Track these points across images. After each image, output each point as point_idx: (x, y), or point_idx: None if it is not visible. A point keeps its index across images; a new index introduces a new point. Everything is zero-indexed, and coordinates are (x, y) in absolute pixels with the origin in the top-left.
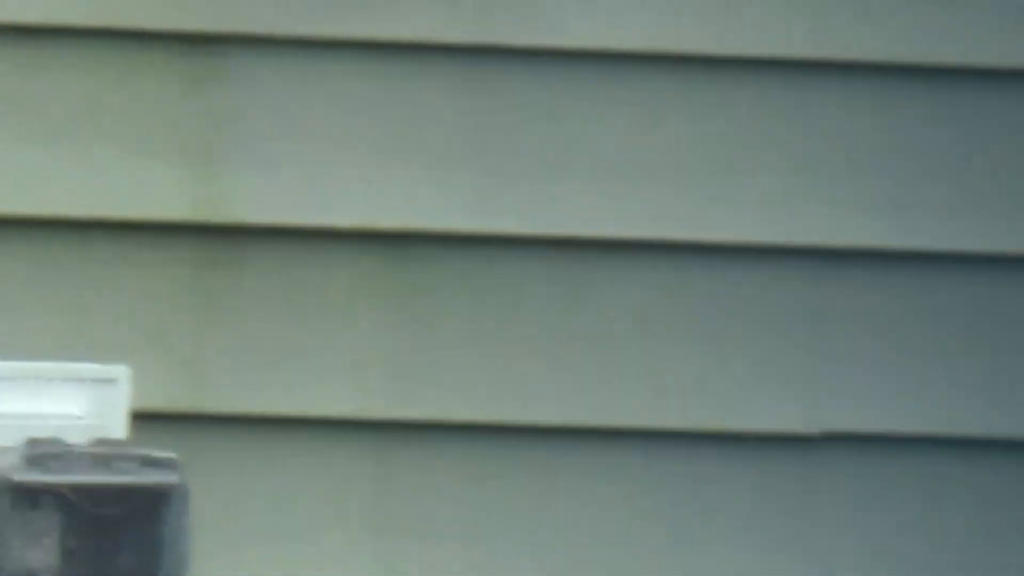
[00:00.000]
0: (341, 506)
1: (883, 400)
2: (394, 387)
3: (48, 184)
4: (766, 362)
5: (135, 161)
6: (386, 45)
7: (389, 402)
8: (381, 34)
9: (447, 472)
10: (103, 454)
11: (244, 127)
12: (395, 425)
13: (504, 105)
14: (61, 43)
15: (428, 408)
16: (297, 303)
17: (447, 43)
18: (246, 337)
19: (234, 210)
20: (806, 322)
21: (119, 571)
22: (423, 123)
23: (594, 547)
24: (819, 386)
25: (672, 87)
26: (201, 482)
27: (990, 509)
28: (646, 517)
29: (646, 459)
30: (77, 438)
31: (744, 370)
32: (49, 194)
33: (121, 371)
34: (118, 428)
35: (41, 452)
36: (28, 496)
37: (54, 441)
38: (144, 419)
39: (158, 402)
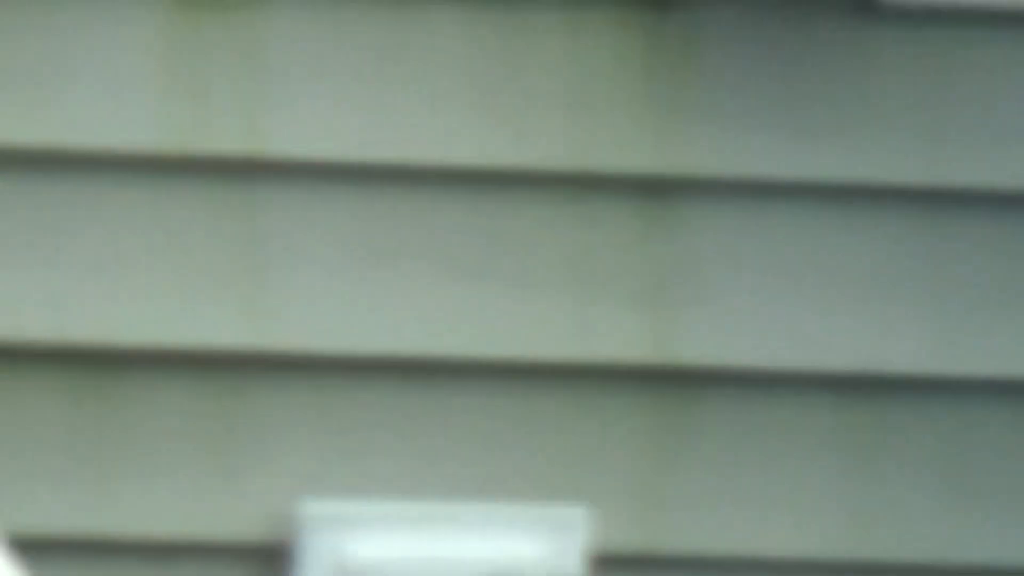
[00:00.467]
0: None
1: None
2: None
3: (495, 326)
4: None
5: (588, 305)
6: (839, 189)
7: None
8: (835, 177)
9: None
10: None
11: (694, 269)
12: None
13: None
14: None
15: None
16: (756, 446)
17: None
18: (704, 479)
19: (687, 353)
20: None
21: None
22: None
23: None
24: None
25: None
26: None
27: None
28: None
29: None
30: None
31: None
32: (494, 335)
33: (578, 514)
34: (574, 570)
35: None
36: None
37: None
38: (606, 561)
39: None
